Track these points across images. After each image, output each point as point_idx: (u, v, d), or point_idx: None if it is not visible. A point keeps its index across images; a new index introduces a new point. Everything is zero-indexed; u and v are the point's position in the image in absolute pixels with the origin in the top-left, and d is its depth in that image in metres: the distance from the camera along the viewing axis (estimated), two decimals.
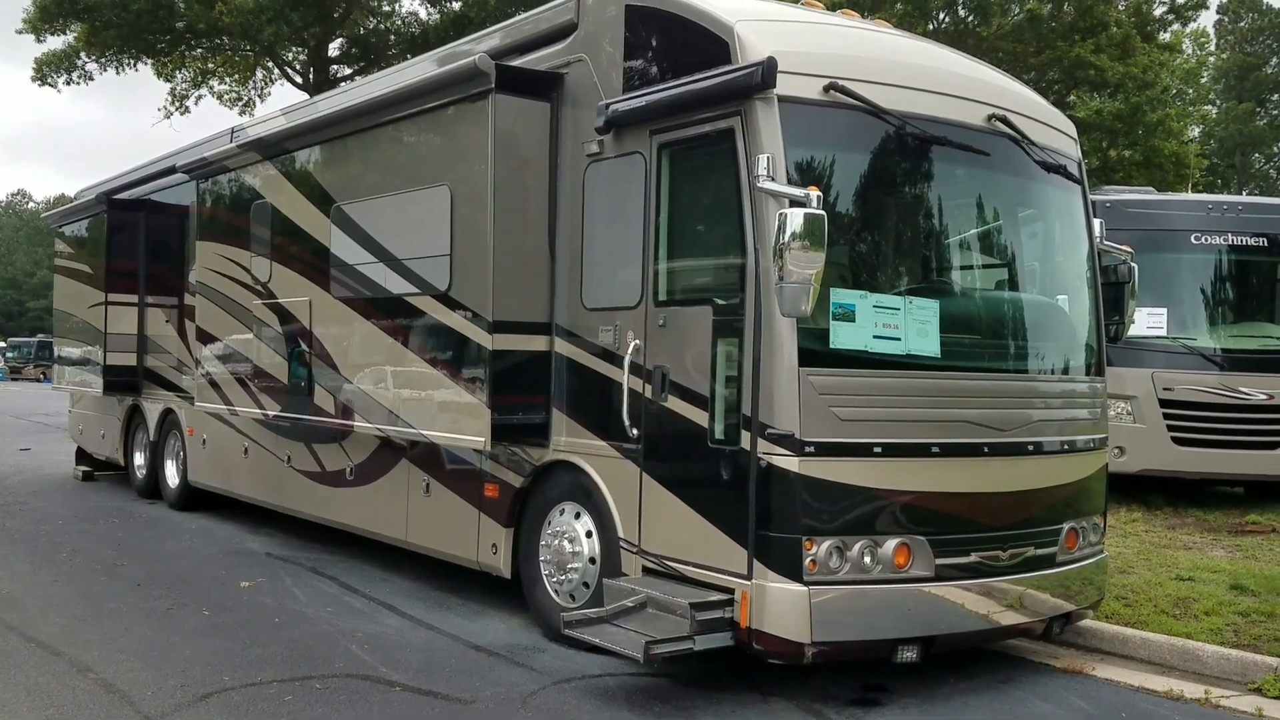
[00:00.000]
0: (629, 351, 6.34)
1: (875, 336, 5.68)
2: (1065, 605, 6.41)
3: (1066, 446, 6.44)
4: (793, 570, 5.46)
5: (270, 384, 9.45)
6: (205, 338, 10.68)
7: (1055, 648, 6.93)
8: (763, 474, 5.54)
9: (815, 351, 5.54)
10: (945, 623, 5.77)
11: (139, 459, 13.82)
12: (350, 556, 9.58)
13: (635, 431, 6.31)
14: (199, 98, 26.72)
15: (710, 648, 5.64)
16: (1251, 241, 12.86)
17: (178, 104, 26.52)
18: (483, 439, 6.85)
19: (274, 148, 9.34)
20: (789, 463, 5.47)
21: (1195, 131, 45.80)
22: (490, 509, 7.49)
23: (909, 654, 5.69)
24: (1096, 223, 7.07)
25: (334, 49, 27.44)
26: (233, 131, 11.57)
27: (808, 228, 5.12)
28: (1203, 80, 51.16)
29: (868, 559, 5.58)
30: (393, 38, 27.29)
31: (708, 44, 5.96)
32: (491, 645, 6.82)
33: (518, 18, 7.97)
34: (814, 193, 5.24)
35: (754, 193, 5.59)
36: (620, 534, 6.43)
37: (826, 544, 5.49)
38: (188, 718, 5.37)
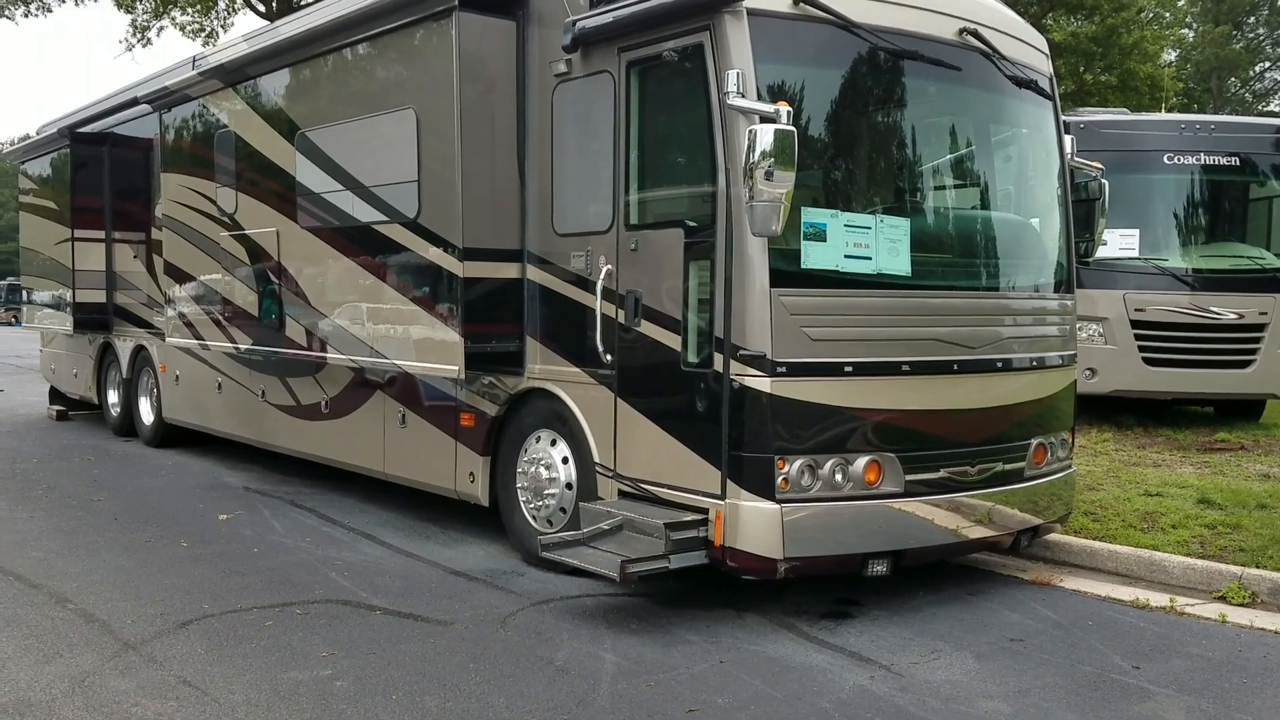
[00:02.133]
0: (601, 277, 6.30)
1: (846, 256, 5.67)
2: (1032, 519, 6.51)
3: (1035, 363, 6.49)
4: (765, 489, 5.51)
5: (240, 317, 9.37)
6: (174, 272, 10.55)
7: (1024, 561, 7.06)
8: (735, 395, 5.56)
9: (786, 272, 5.52)
10: (914, 537, 5.86)
11: (112, 397, 13.76)
12: (328, 489, 9.60)
13: (609, 357, 6.31)
14: (160, 29, 26.07)
15: (685, 566, 5.72)
16: (1224, 161, 12.86)
17: (139, 35, 25.85)
18: (456, 368, 6.82)
19: (235, 74, 9.14)
20: (761, 383, 5.49)
21: (1171, 56, 45.52)
22: (467, 438, 7.50)
23: (879, 568, 5.77)
24: (1067, 139, 7.04)
25: None
26: (194, 60, 11.28)
27: (778, 145, 5.07)
28: (1179, 3, 50.70)
29: (839, 476, 5.64)
30: None
31: None
32: (470, 570, 6.88)
33: None
34: (784, 108, 5.19)
35: (724, 111, 5.53)
36: (596, 459, 6.46)
37: (798, 463, 5.54)
38: (168, 644, 5.40)
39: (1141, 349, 12.30)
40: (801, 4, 5.64)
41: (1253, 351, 12.43)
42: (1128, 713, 4.65)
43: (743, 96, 5.40)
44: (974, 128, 6.47)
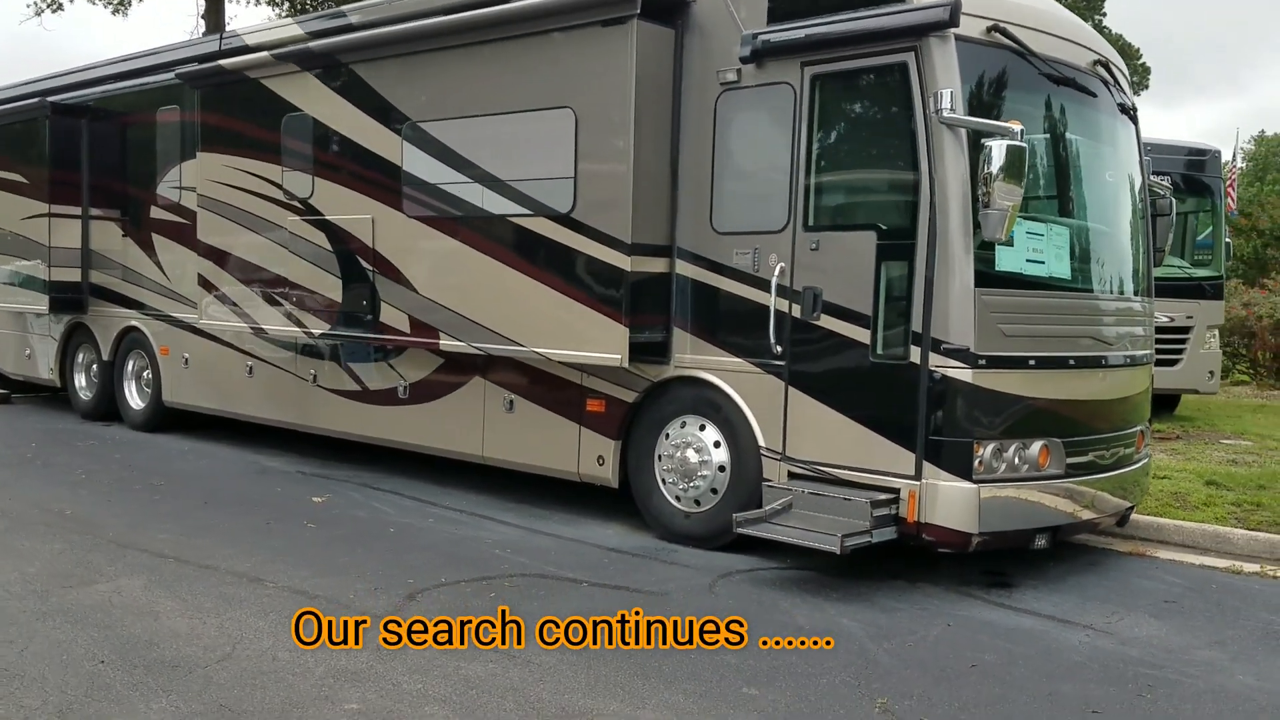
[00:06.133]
0: (775, 274, 6.77)
1: (1027, 260, 6.35)
2: (1132, 499, 7.36)
3: (1140, 360, 7.34)
4: (963, 470, 6.13)
5: (315, 303, 9.30)
6: (213, 254, 10.32)
7: (1105, 537, 7.91)
8: (937, 385, 6.14)
9: (984, 273, 6.14)
10: (1068, 514, 6.59)
11: (80, 380, 13.26)
12: (387, 473, 9.64)
13: (780, 348, 6.78)
14: None
15: (882, 540, 6.27)
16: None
17: (50, 1, 24.25)
18: (619, 356, 7.14)
19: (321, 59, 9.07)
20: (964, 374, 6.10)
21: None
22: (595, 424, 7.81)
23: (1042, 542, 6.49)
24: (1146, 159, 7.94)
25: None
26: (220, 38, 11.10)
27: (1011, 158, 5.70)
28: None
29: (1018, 459, 6.31)
30: None
31: None
32: (623, 547, 7.22)
33: None
34: (1017, 125, 5.81)
35: (930, 125, 6.09)
36: (761, 443, 6.92)
37: (990, 446, 6.18)
38: (419, 611, 5.54)
39: None
40: (993, 32, 6.27)
41: (1180, 351, 14.02)
42: None
43: (954, 113, 6.00)
44: (1101, 147, 7.24)
